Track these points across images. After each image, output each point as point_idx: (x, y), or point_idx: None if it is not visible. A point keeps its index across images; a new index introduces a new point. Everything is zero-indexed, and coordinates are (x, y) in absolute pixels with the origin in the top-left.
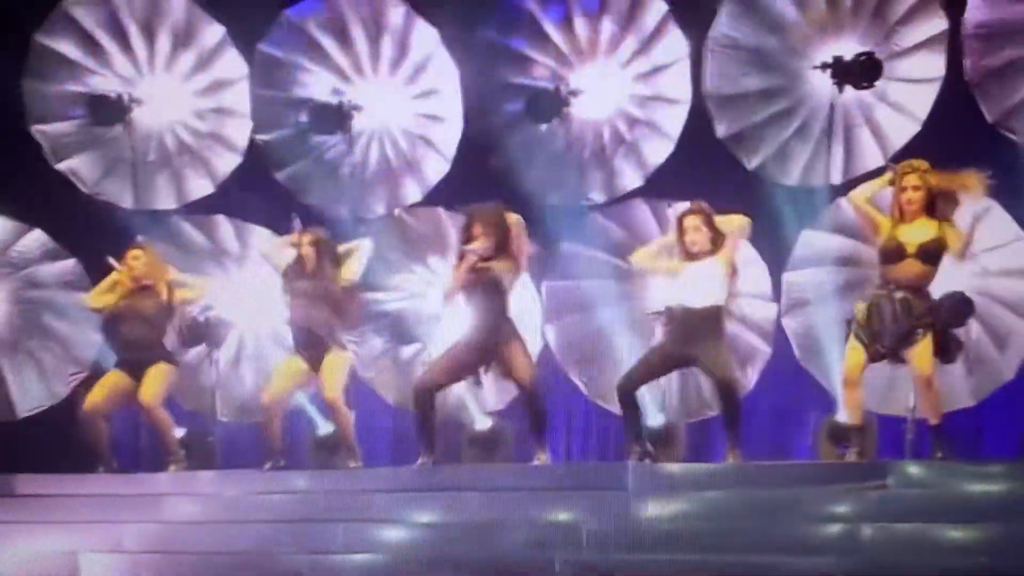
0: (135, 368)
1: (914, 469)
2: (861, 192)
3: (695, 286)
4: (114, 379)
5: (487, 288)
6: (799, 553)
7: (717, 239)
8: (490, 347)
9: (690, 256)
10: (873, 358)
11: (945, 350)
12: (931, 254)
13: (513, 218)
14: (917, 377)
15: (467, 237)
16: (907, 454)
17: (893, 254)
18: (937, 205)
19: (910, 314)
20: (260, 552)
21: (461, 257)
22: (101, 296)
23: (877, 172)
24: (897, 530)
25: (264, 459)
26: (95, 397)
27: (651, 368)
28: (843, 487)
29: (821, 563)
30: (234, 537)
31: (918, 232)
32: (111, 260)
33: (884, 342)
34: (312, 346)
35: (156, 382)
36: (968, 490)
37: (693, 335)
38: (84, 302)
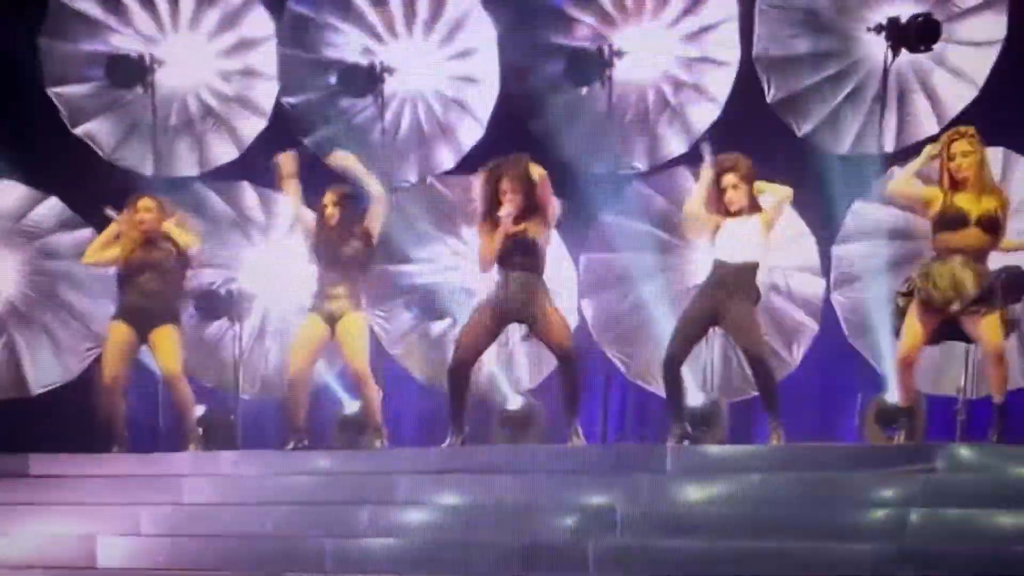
0: (142, 322)
1: (964, 452)
2: (897, 181)
3: (732, 242)
4: (119, 334)
5: (522, 251)
6: (843, 539)
7: (753, 197)
8: (522, 309)
9: (728, 214)
10: (933, 335)
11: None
12: (993, 223)
13: (537, 171)
14: (988, 351)
15: (494, 198)
16: (957, 437)
17: (954, 221)
18: None
19: (976, 278)
20: (282, 536)
21: (489, 221)
22: (99, 252)
23: (932, 140)
24: (945, 516)
25: (287, 438)
26: (112, 368)
27: (688, 335)
28: (890, 471)
29: (865, 549)
30: (255, 520)
31: (978, 200)
32: (109, 211)
33: (949, 308)
34: (330, 305)
35: (172, 348)
36: (1020, 474)
37: (724, 291)
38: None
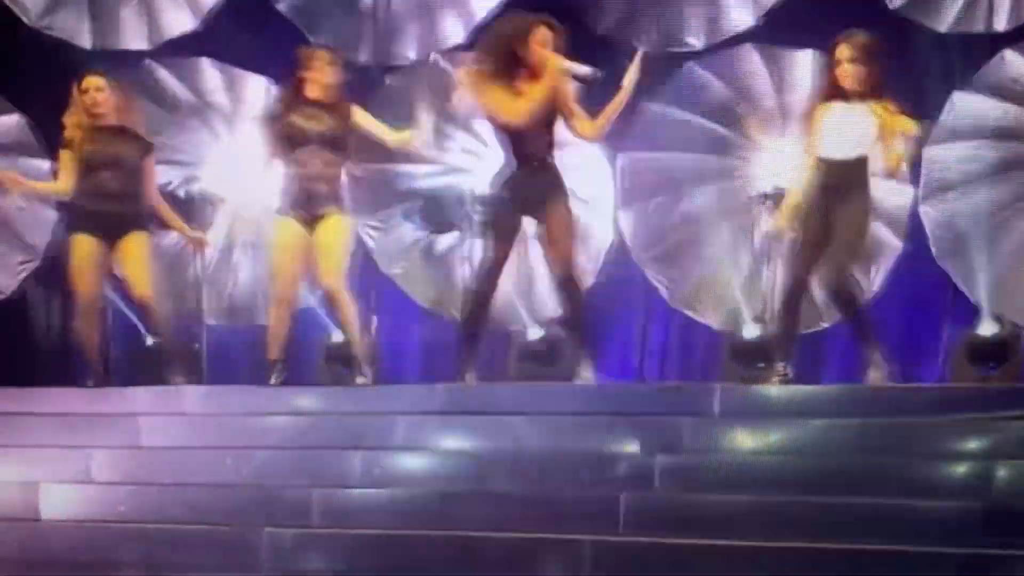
0: (107, 231)
1: None
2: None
3: (837, 133)
4: (85, 248)
5: (542, 124)
6: (919, 495)
7: (876, 80)
8: (535, 200)
9: (837, 95)
10: None
11: None
12: None
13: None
14: None
15: (542, 44)
16: None
17: None
18: None
19: None
20: (260, 484)
21: (526, 62)
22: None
23: None
24: None
25: (265, 370)
26: (87, 286)
27: (808, 258)
28: (977, 416)
29: (945, 507)
30: (228, 466)
31: None
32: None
33: None
34: (307, 202)
35: (142, 264)
36: None
37: (833, 196)
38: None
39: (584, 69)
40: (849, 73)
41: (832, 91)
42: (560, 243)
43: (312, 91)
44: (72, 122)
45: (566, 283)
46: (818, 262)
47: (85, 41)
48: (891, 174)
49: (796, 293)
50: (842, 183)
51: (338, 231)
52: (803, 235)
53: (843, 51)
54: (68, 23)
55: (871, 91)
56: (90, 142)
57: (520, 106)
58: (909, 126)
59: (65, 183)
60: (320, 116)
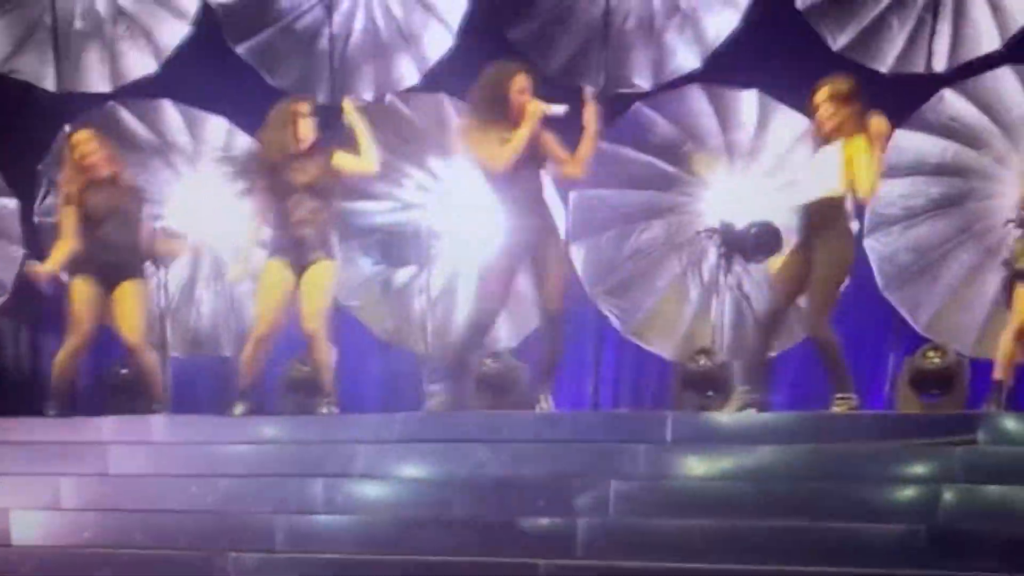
0: (107, 277)
1: (1009, 423)
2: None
3: (810, 176)
4: (86, 292)
5: (531, 166)
6: (866, 519)
7: (853, 121)
8: (531, 244)
9: (821, 141)
10: None
11: None
12: None
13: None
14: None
15: (522, 91)
16: (1001, 405)
17: None
18: None
19: None
20: (223, 512)
21: (510, 109)
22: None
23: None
24: (984, 493)
25: (234, 402)
26: (84, 327)
27: (789, 291)
28: (923, 442)
29: (891, 531)
30: (193, 493)
31: None
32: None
33: None
34: (297, 249)
35: (134, 310)
36: None
37: (813, 236)
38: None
39: (557, 109)
40: (825, 116)
41: (815, 138)
42: (552, 281)
43: (305, 141)
44: (66, 179)
45: (553, 317)
46: (796, 296)
47: (49, 84)
48: (867, 198)
49: (772, 323)
50: (820, 224)
51: (323, 277)
52: (783, 270)
53: (820, 95)
54: (33, 66)
55: (844, 131)
56: (89, 196)
57: (504, 152)
58: (881, 126)
59: (71, 241)
60: (305, 167)
